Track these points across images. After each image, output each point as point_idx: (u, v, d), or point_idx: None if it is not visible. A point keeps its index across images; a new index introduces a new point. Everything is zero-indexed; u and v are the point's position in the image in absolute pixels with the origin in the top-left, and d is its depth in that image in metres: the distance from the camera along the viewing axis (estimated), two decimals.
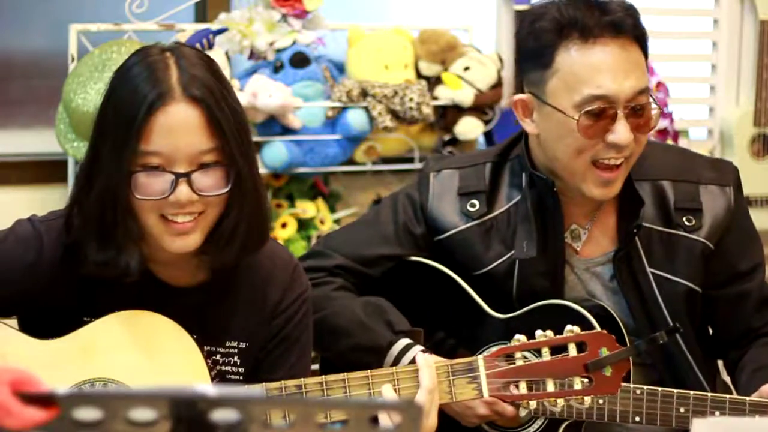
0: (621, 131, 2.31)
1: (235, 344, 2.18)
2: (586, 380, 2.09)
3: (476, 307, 2.50)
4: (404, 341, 2.37)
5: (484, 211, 2.51)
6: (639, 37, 2.37)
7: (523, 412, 2.30)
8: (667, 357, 2.48)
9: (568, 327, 2.11)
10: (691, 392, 2.35)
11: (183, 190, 1.99)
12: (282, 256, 2.25)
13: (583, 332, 2.10)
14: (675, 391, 2.35)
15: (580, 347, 2.10)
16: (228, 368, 2.18)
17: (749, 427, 1.84)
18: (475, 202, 2.52)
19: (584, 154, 2.35)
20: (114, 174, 1.99)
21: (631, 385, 2.36)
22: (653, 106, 2.36)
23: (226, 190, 2.01)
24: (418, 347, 2.36)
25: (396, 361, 2.34)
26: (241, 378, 2.18)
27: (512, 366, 2.10)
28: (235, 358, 2.18)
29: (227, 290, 2.17)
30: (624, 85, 2.31)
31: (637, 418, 2.36)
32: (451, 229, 2.52)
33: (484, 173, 2.54)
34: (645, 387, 2.36)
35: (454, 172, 2.56)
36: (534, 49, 2.38)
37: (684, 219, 2.48)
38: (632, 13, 2.37)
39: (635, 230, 2.44)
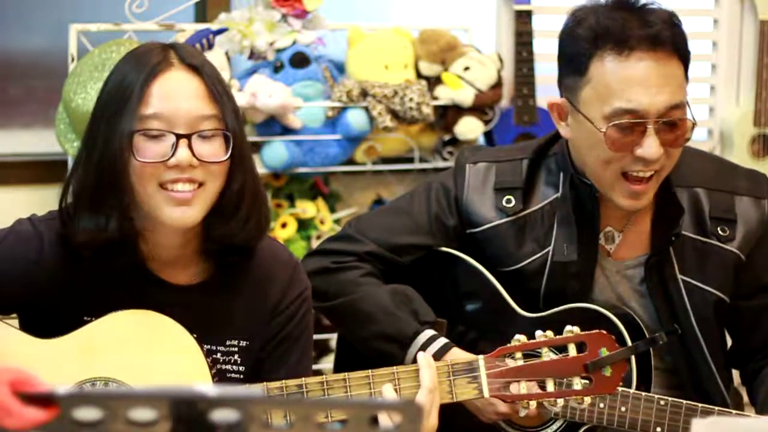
0: (650, 146, 2.28)
1: (236, 343, 2.18)
2: (585, 380, 2.09)
3: (503, 303, 2.49)
4: (429, 332, 2.37)
5: (519, 207, 2.50)
6: (678, 49, 2.31)
7: (522, 412, 2.29)
8: (691, 364, 2.47)
9: (568, 327, 2.11)
10: (716, 408, 2.34)
11: (183, 153, 2.01)
12: (282, 255, 2.26)
13: (583, 332, 2.10)
14: (699, 405, 2.34)
15: (580, 347, 2.10)
16: (228, 367, 2.18)
17: (749, 427, 1.84)
18: (511, 198, 2.50)
19: (612, 165, 2.32)
20: (113, 138, 2.02)
21: (655, 396, 2.35)
22: (688, 119, 2.31)
23: (226, 157, 2.04)
24: (442, 339, 2.36)
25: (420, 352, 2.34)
26: (241, 377, 2.18)
27: (512, 366, 2.10)
28: (236, 357, 2.18)
29: (227, 289, 2.17)
30: (656, 100, 2.27)
31: (659, 429, 2.34)
32: (486, 223, 2.51)
33: (521, 169, 2.52)
34: (669, 399, 2.34)
35: (491, 165, 2.54)
36: (570, 54, 2.36)
37: (718, 228, 2.46)
38: (673, 25, 2.32)
39: (673, 238, 2.43)
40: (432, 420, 2.12)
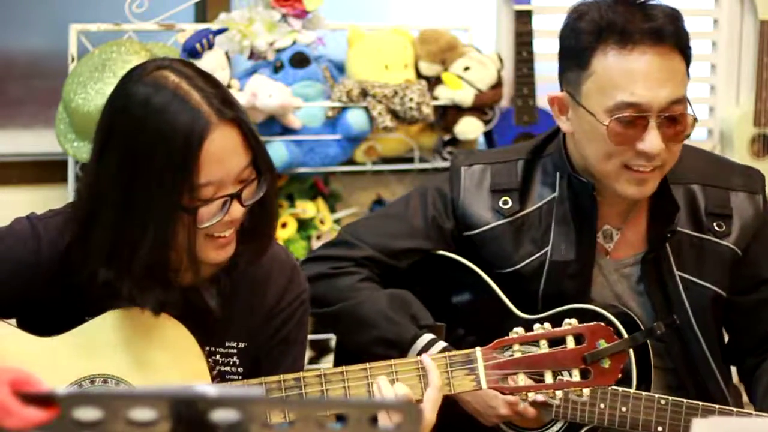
0: (651, 141, 2.29)
1: (234, 344, 2.18)
2: (584, 372, 2.09)
3: (501, 305, 2.49)
4: (428, 336, 2.37)
5: (516, 209, 2.50)
6: (681, 45, 2.32)
7: (521, 405, 2.29)
8: (690, 361, 2.47)
9: (567, 320, 2.10)
10: (717, 406, 2.34)
11: (237, 210, 2.01)
12: (281, 256, 2.26)
13: (581, 324, 2.09)
14: (700, 403, 2.34)
15: (578, 339, 2.10)
16: (227, 368, 2.18)
17: (749, 427, 1.84)
18: (508, 199, 2.50)
19: (614, 159, 2.33)
20: (170, 216, 1.97)
21: (656, 395, 2.35)
22: (689, 114, 2.32)
23: (262, 192, 2.04)
24: (441, 343, 2.36)
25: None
26: (240, 378, 2.18)
27: (510, 358, 2.10)
28: (235, 359, 2.18)
29: (227, 291, 2.17)
30: (658, 94, 2.28)
31: (660, 429, 2.34)
32: (483, 225, 2.51)
33: (517, 170, 2.52)
34: (670, 398, 2.35)
35: (486, 167, 2.54)
36: (573, 48, 2.36)
37: (714, 224, 2.47)
38: (675, 20, 2.33)
39: (669, 235, 2.43)
40: (431, 417, 2.12)
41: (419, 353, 2.34)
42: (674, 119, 2.30)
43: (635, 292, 2.48)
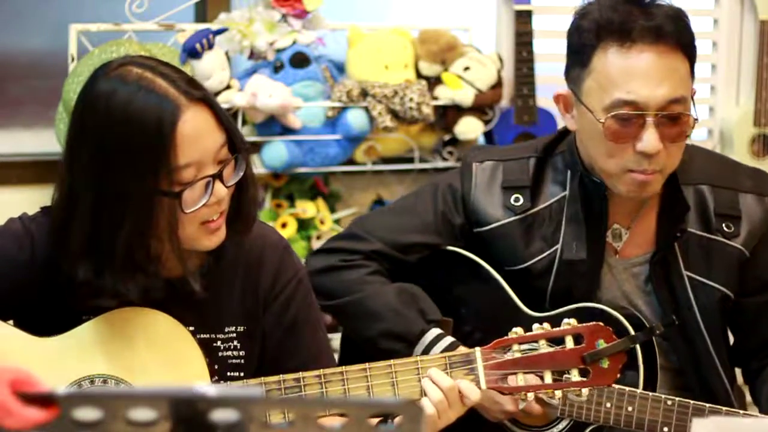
0: (649, 140, 2.28)
1: (233, 328, 2.18)
2: (583, 372, 2.09)
3: (510, 302, 2.49)
4: (436, 331, 2.37)
5: (527, 206, 2.49)
6: (683, 44, 2.31)
7: (521, 405, 2.29)
8: (696, 363, 2.47)
9: (566, 320, 2.10)
10: (724, 408, 2.34)
11: (220, 189, 2.02)
12: (271, 238, 2.26)
13: (580, 324, 2.09)
14: (707, 405, 2.34)
15: (577, 339, 2.10)
16: (229, 353, 2.18)
17: (749, 427, 1.84)
18: (519, 196, 2.50)
19: (615, 159, 2.32)
20: (150, 204, 1.97)
21: (662, 396, 2.35)
22: (691, 115, 2.31)
23: (243, 172, 2.06)
24: (449, 338, 2.36)
25: (426, 351, 2.34)
26: (242, 361, 2.19)
27: (510, 358, 2.10)
28: (235, 342, 2.18)
29: (220, 277, 2.17)
30: (656, 93, 2.27)
31: (666, 429, 2.34)
32: (493, 222, 2.51)
33: (528, 168, 2.52)
34: (677, 399, 2.34)
35: (498, 164, 2.54)
36: (575, 46, 2.37)
37: (723, 225, 2.46)
38: (678, 19, 2.32)
39: (678, 235, 2.43)
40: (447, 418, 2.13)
41: (426, 348, 2.35)
42: (673, 118, 2.30)
43: (643, 292, 2.48)
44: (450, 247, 2.54)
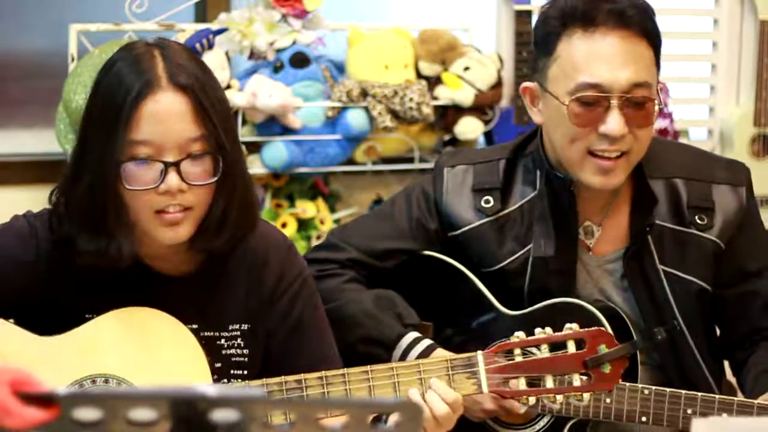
0: (612, 122, 2.30)
1: (237, 327, 2.18)
2: (584, 377, 2.09)
3: (487, 303, 2.50)
4: (413, 334, 2.38)
5: (498, 207, 2.51)
6: (648, 34, 2.34)
7: (522, 409, 2.29)
8: (677, 358, 2.47)
9: (568, 325, 2.11)
10: (699, 394, 2.34)
11: (173, 179, 2.00)
12: (275, 237, 2.26)
13: (583, 329, 2.10)
14: (683, 392, 2.34)
15: (579, 344, 2.10)
16: (232, 351, 2.18)
17: (749, 427, 1.84)
18: (490, 198, 2.51)
19: (578, 143, 2.34)
20: (103, 165, 2.00)
21: (639, 385, 2.35)
22: (655, 100, 2.33)
23: (215, 179, 2.03)
24: (427, 341, 2.37)
25: (404, 354, 2.35)
26: (246, 360, 2.19)
27: (511, 362, 2.10)
28: (239, 341, 2.18)
29: (223, 275, 2.17)
30: (619, 75, 2.30)
31: (644, 419, 2.35)
32: (465, 225, 2.52)
33: (498, 170, 2.53)
34: (653, 387, 2.35)
35: (468, 167, 2.55)
36: (541, 36, 2.39)
37: (696, 218, 2.47)
38: (642, 10, 2.34)
39: (648, 228, 2.44)
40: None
41: (404, 351, 2.36)
42: (637, 103, 2.31)
43: (620, 288, 2.49)
44: (426, 252, 2.55)
